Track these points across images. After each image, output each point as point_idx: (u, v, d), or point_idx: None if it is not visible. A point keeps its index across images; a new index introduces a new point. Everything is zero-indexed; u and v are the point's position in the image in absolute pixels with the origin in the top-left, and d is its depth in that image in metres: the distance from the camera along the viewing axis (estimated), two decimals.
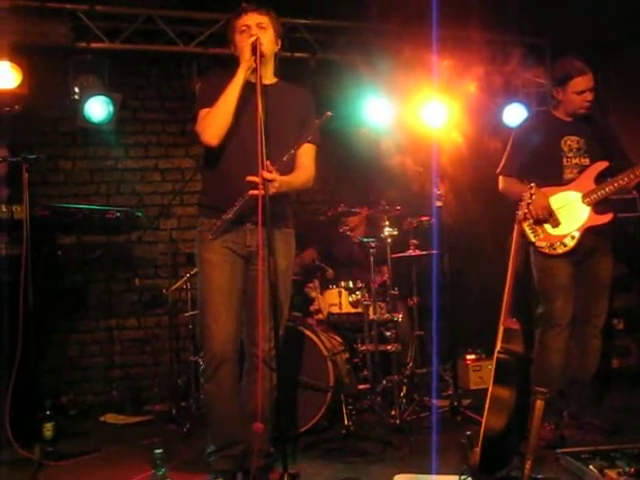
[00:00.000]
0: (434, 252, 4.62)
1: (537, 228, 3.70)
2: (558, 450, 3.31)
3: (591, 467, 2.98)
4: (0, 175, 4.08)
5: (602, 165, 3.68)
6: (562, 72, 3.74)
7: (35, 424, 3.73)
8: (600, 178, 3.67)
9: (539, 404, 2.83)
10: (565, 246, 3.65)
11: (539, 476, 2.96)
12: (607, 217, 3.65)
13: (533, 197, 3.34)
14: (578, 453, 3.19)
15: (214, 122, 2.99)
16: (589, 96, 3.70)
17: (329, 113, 3.00)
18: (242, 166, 2.95)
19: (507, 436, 2.91)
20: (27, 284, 3.68)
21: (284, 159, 2.95)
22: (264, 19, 3.06)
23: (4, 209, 4.02)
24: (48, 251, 4.27)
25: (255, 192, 2.85)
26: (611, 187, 3.60)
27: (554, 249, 3.67)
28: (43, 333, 4.00)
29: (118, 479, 3.38)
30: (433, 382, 4.63)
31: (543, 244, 3.69)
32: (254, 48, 2.93)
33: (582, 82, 3.68)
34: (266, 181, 2.84)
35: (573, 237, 3.64)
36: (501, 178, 3.89)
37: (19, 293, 3.65)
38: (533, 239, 3.71)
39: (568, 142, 3.75)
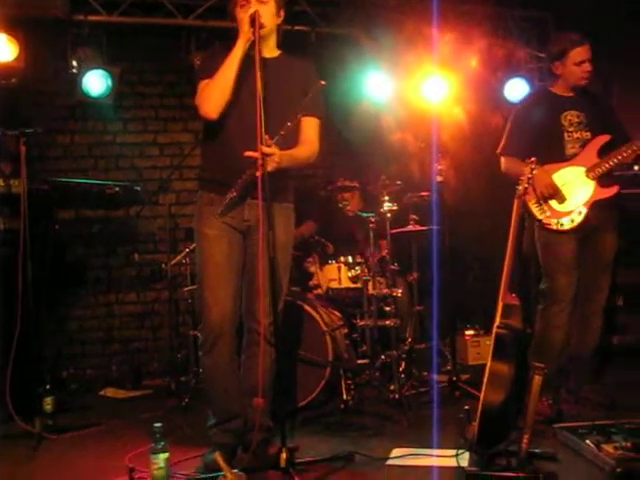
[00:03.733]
0: (434, 227, 4.59)
1: (543, 205, 3.67)
2: (555, 425, 3.33)
3: (588, 441, 2.99)
4: (3, 150, 4.04)
5: (604, 138, 3.66)
6: (560, 45, 3.73)
7: (35, 398, 3.75)
8: (602, 152, 3.64)
9: (537, 380, 2.82)
10: (573, 222, 3.63)
11: (536, 450, 2.97)
12: (613, 190, 3.63)
13: (534, 172, 3.30)
14: (575, 428, 3.21)
15: (212, 95, 2.96)
16: (588, 66, 3.68)
17: (322, 82, 2.99)
18: (242, 140, 2.93)
19: (505, 411, 2.92)
20: (26, 259, 3.67)
21: (282, 132, 2.92)
22: None
23: (2, 183, 4.00)
24: (46, 226, 4.25)
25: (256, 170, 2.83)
26: (614, 159, 3.57)
27: (562, 225, 3.64)
28: (42, 308, 4.00)
29: (118, 452, 3.39)
30: (433, 357, 4.64)
31: (550, 221, 3.66)
32: (252, 20, 2.90)
33: (581, 52, 3.67)
34: (265, 156, 2.82)
35: (580, 212, 3.62)
36: (503, 158, 3.85)
37: (18, 268, 3.65)
38: (540, 216, 3.68)
39: (568, 117, 3.72)
